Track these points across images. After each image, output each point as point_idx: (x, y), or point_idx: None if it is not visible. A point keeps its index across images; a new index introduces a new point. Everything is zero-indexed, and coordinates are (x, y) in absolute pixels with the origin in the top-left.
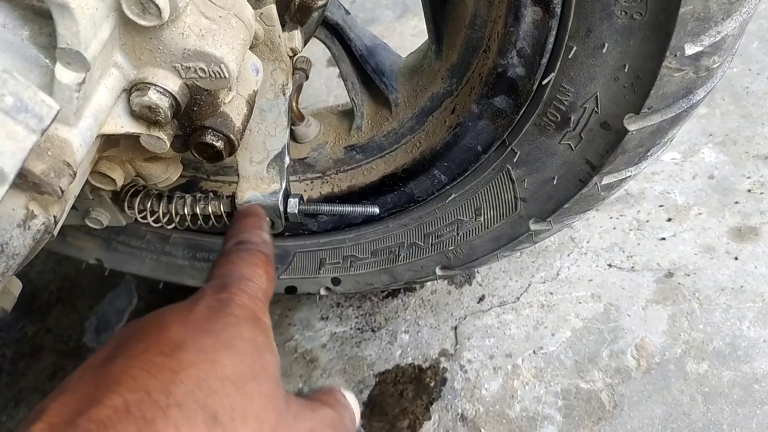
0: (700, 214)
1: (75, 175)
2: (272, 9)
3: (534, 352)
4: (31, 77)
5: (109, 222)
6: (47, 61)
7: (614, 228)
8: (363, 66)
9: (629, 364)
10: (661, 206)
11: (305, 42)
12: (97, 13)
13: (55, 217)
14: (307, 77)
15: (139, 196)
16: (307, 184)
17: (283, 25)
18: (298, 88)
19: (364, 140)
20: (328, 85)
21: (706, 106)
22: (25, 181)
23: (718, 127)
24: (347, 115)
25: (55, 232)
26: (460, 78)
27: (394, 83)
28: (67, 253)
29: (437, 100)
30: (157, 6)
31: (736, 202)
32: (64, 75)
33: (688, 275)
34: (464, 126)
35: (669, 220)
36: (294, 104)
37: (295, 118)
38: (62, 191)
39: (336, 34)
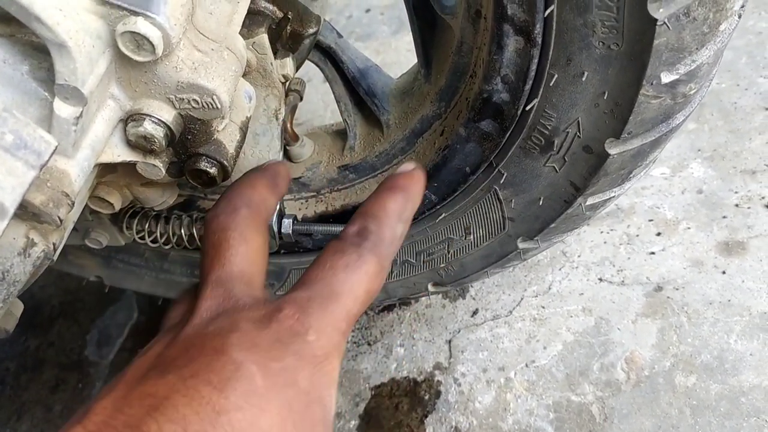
0: (689, 228)
1: (73, 204)
2: (264, 38)
3: (526, 365)
4: (31, 110)
5: (108, 242)
6: (46, 93)
7: (605, 242)
8: (355, 88)
9: (619, 377)
10: (651, 221)
11: (297, 68)
12: (93, 50)
13: (54, 244)
14: (301, 98)
15: (137, 217)
16: (301, 203)
17: (275, 53)
18: (293, 110)
19: (357, 160)
20: (325, 100)
21: (695, 121)
22: (25, 212)
23: (706, 142)
24: (341, 135)
25: (55, 257)
26: (448, 101)
27: (386, 105)
28: (68, 270)
29: (427, 122)
30: (151, 43)
31: (724, 217)
32: (63, 109)
33: (677, 289)
34: (453, 148)
35: (658, 234)
36: (288, 125)
37: (290, 138)
38: (61, 221)
39: (329, 57)
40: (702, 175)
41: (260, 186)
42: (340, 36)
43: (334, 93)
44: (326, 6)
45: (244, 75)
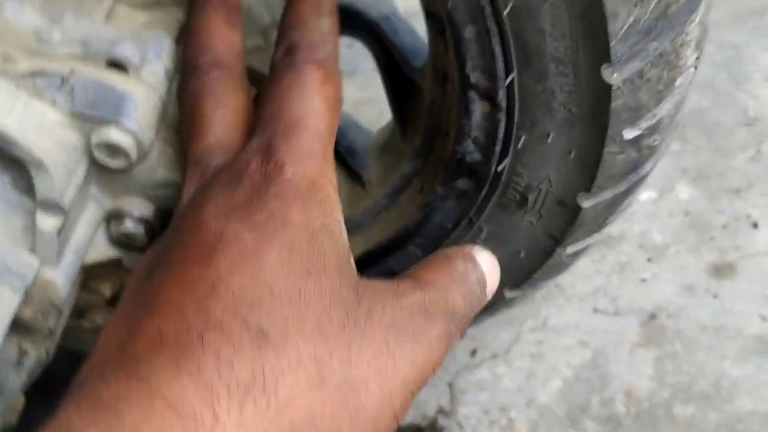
0: (679, 252)
1: (62, 312)
2: None
3: (527, 404)
4: (15, 221)
5: (103, 320)
6: (29, 201)
7: (597, 272)
8: (337, 147)
9: (619, 411)
10: (641, 246)
11: None
12: (70, 162)
13: (47, 351)
14: None
15: None
16: None
17: None
18: None
19: (345, 217)
20: None
21: (679, 141)
22: (14, 326)
23: (691, 162)
24: None
25: (50, 357)
26: (425, 159)
27: (366, 162)
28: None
29: (406, 179)
30: (125, 150)
31: (712, 238)
32: (44, 222)
33: (670, 316)
34: (432, 206)
35: (649, 260)
36: None
37: None
38: (51, 331)
39: None
40: (688, 196)
41: (217, 25)
42: None
43: None
44: None
45: None
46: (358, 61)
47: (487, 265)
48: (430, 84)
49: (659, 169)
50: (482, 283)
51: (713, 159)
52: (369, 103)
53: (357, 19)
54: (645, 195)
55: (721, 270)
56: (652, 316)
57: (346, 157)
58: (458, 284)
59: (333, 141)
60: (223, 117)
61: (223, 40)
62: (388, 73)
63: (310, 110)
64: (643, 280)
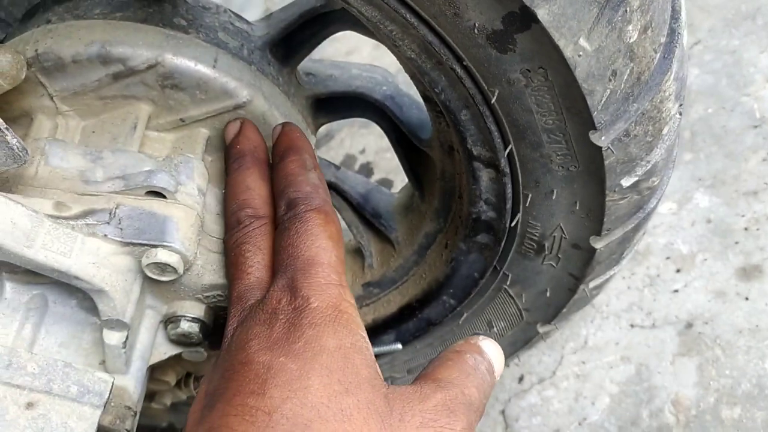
0: (706, 260)
1: (136, 413)
2: None
3: (579, 423)
4: (85, 337)
5: (171, 400)
6: (95, 318)
7: (628, 288)
8: (362, 212)
9: (669, 421)
10: (668, 258)
11: None
12: (126, 283)
13: None
14: None
15: (193, 376)
16: None
17: None
18: None
19: (377, 276)
20: None
21: (690, 150)
22: None
23: (705, 170)
24: (359, 253)
25: None
26: (445, 218)
27: (392, 223)
28: (141, 423)
29: (431, 236)
30: (172, 267)
31: (737, 242)
32: (111, 338)
33: (706, 323)
34: (458, 259)
35: (678, 271)
36: None
37: None
38: (129, 431)
39: (332, 189)
40: (708, 204)
41: (252, 181)
42: (338, 168)
43: (343, 219)
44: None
45: None
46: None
47: (491, 352)
48: (438, 154)
49: (676, 181)
50: (490, 369)
51: (726, 164)
52: (389, 151)
53: (363, 102)
54: (665, 207)
55: (750, 272)
56: (689, 325)
57: (372, 220)
58: (471, 377)
59: (344, 268)
60: (261, 260)
61: (259, 194)
62: (400, 145)
63: (320, 248)
64: (675, 291)
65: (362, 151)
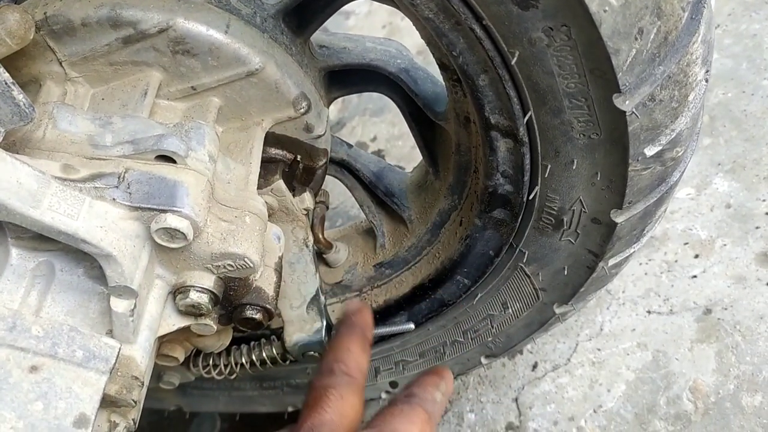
0: (725, 245)
1: (143, 384)
2: (280, 183)
3: (594, 411)
4: (92, 306)
5: (180, 380)
6: (102, 288)
7: (645, 274)
8: (374, 191)
9: (687, 408)
10: (686, 244)
11: (316, 193)
12: (134, 249)
13: (134, 419)
14: (327, 207)
15: (201, 354)
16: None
17: (292, 190)
18: (321, 220)
19: (389, 256)
20: None
21: (709, 135)
22: (103, 402)
23: (724, 155)
24: (371, 233)
25: (136, 425)
26: (460, 194)
27: (405, 202)
28: (149, 406)
29: (445, 214)
30: (182, 233)
31: (757, 227)
32: (118, 305)
33: (726, 309)
34: (473, 237)
35: (696, 256)
36: (320, 235)
37: (324, 247)
38: (135, 402)
39: (344, 167)
40: (727, 189)
41: (355, 348)
42: (350, 146)
43: (356, 198)
44: (329, 139)
45: (269, 216)
46: (385, 99)
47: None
48: (454, 126)
49: (694, 165)
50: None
51: (746, 149)
52: (401, 138)
53: (377, 75)
54: (683, 192)
55: None
56: (707, 311)
57: (384, 199)
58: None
59: None
60: (340, 407)
61: (356, 359)
62: (414, 120)
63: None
64: (694, 277)
65: (373, 139)
